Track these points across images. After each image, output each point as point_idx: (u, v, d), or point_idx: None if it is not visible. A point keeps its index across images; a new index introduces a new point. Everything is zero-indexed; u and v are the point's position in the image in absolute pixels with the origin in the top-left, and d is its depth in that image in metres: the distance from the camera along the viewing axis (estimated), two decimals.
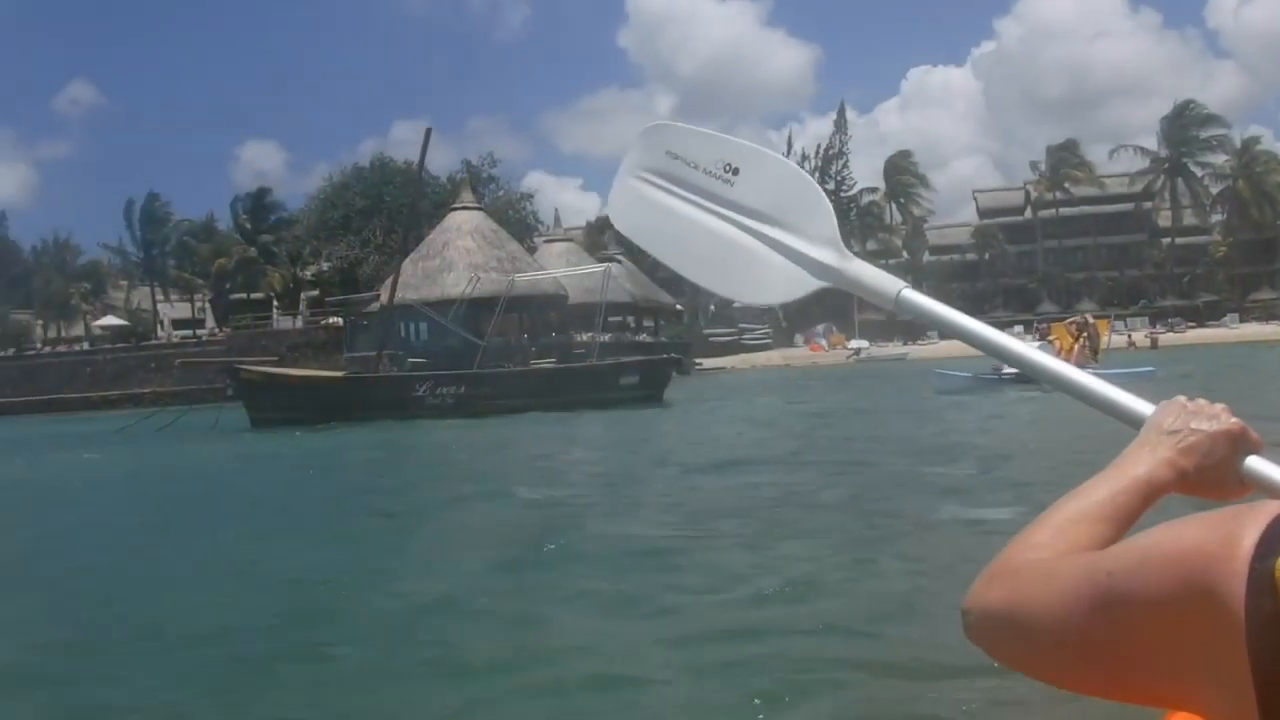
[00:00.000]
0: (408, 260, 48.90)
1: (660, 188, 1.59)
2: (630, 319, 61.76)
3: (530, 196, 73.77)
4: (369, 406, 23.22)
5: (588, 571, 6.13)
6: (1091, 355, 19.93)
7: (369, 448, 17.88)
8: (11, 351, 67.73)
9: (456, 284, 41.20)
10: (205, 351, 54.31)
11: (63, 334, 72.06)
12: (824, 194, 1.50)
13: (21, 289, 79.73)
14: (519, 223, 67.69)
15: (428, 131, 26.41)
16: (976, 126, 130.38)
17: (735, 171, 1.52)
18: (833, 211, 1.48)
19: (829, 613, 4.78)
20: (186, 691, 4.37)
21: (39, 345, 69.63)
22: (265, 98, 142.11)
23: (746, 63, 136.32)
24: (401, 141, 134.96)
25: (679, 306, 71.19)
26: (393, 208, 62.19)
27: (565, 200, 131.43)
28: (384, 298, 47.41)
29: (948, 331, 1.34)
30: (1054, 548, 0.87)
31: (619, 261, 63.28)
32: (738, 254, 1.51)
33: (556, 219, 69.00)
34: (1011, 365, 1.31)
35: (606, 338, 52.75)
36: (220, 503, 11.42)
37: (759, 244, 1.49)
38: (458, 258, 45.49)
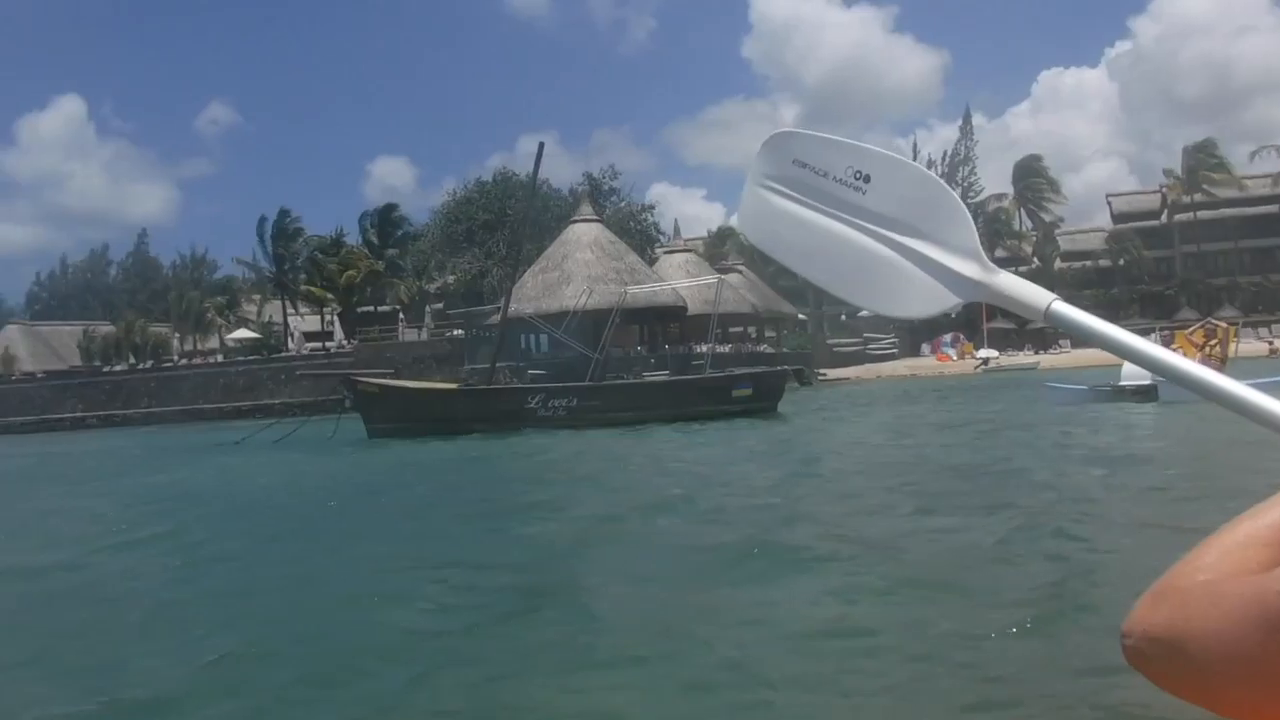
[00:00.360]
0: (529, 273, 49.44)
1: (789, 197, 1.53)
2: (751, 329, 61.21)
3: (651, 208, 73.76)
4: (482, 418, 23.25)
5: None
6: (1219, 364, 18.81)
7: (482, 459, 17.82)
8: (150, 364, 70.35)
9: (575, 296, 41.32)
10: (333, 364, 55.34)
11: (198, 346, 74.46)
12: (961, 203, 1.38)
13: (161, 303, 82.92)
14: (640, 234, 67.81)
15: (540, 146, 26.51)
16: (1112, 129, 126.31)
17: (866, 179, 1.45)
18: (972, 221, 1.39)
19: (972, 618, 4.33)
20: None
21: (175, 357, 72.04)
22: (395, 115, 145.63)
23: (873, 70, 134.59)
24: (527, 155, 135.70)
25: (801, 316, 70.41)
26: (515, 221, 62.68)
27: (689, 211, 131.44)
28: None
29: (1103, 346, 1.22)
30: (1221, 570, 0.83)
31: (739, 272, 62.92)
32: (875, 265, 1.44)
33: (676, 230, 68.93)
34: (1170, 379, 1.14)
35: (727, 348, 52.49)
36: (353, 511, 11.36)
37: (897, 255, 1.42)
38: (577, 270, 45.70)
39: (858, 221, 1.45)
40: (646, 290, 41.09)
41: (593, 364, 26.53)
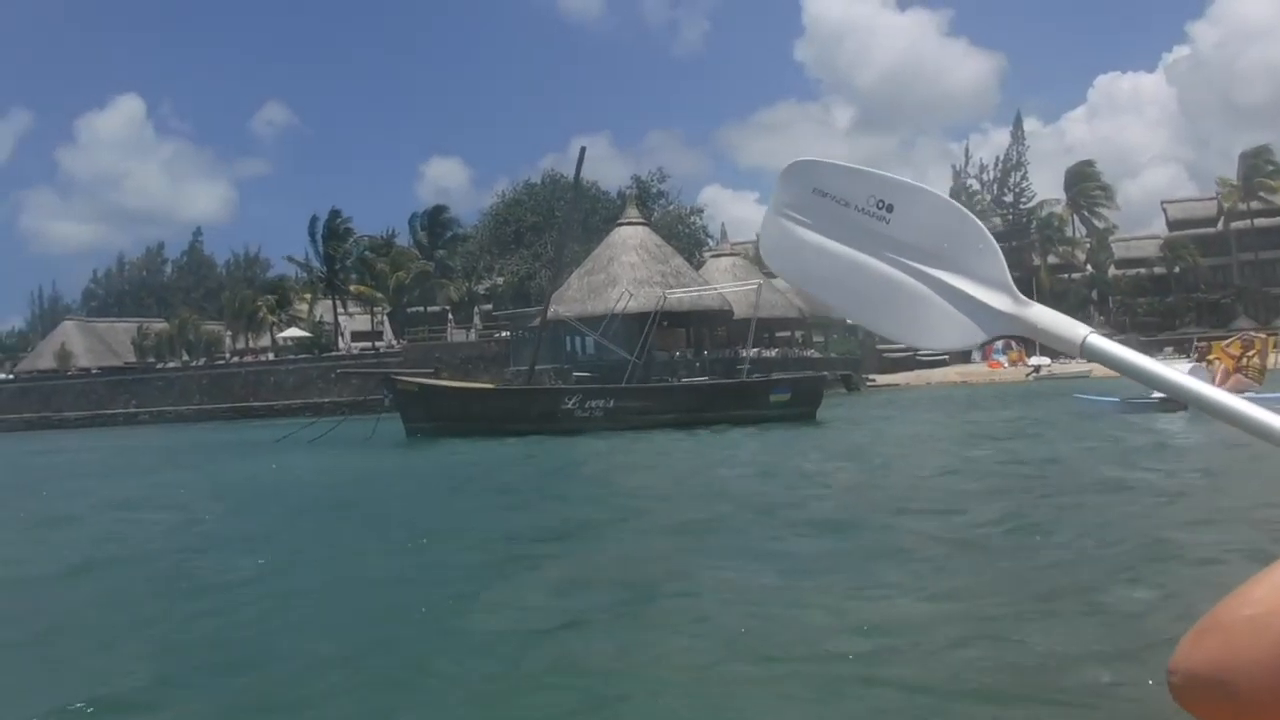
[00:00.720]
0: (574, 275, 49.64)
1: (810, 227, 1.53)
2: (799, 334, 60.94)
3: (700, 211, 73.82)
4: (519, 418, 23.29)
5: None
6: (1257, 376, 18.21)
7: (517, 459, 17.82)
8: (203, 360, 71.37)
9: (620, 298, 41.42)
10: (381, 363, 55.80)
11: (250, 344, 75.38)
12: (988, 233, 1.39)
13: (215, 301, 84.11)
14: (689, 237, 67.88)
15: (582, 150, 26.59)
16: (1170, 134, 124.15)
17: (889, 208, 1.45)
18: (1000, 252, 1.37)
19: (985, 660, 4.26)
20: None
21: (227, 355, 72.98)
22: (449, 116, 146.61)
23: (927, 73, 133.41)
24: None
25: (850, 321, 70.05)
26: (563, 223, 62.88)
27: (740, 214, 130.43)
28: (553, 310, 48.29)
29: (1140, 379, 1.25)
30: (1269, 604, 0.79)
31: None
32: (900, 296, 1.44)
33: (724, 233, 68.88)
34: (1208, 411, 1.18)
35: (773, 353, 52.33)
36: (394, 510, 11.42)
37: (922, 286, 1.42)
38: (622, 272, 45.81)
39: (882, 252, 1.44)
40: (689, 294, 41.03)
41: (630, 366, 26.53)
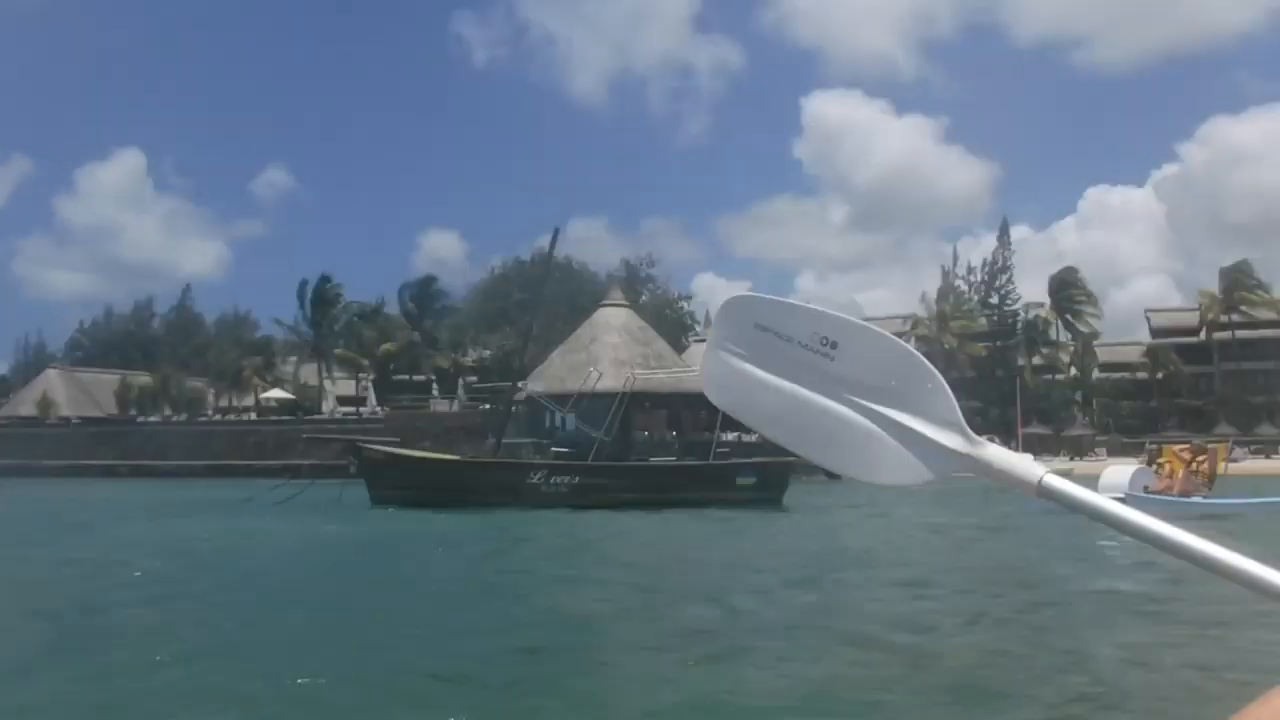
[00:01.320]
0: (556, 352, 49.95)
1: (752, 361, 1.46)
2: None
3: (689, 297, 74.58)
4: (484, 490, 23.29)
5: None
6: (1206, 482, 18.36)
7: (475, 533, 17.85)
8: (185, 417, 71.22)
9: (589, 376, 41.65)
10: (365, 429, 55.87)
11: (232, 403, 75.29)
12: (937, 373, 1.36)
13: (200, 358, 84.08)
14: (675, 321, 68.41)
15: (555, 231, 26.85)
16: (1158, 247, 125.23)
17: (833, 345, 1.41)
18: (950, 392, 1.34)
19: None
20: None
21: (209, 412, 72.86)
22: (450, 189, 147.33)
23: (923, 177, 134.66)
24: (577, 239, 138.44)
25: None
26: (550, 302, 63.67)
27: None
28: (531, 387, 48.43)
29: (1100, 519, 1.20)
30: None
31: None
32: (846, 433, 1.39)
33: (709, 318, 69.15)
34: (1184, 559, 1.14)
35: (755, 437, 52.35)
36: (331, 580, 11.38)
37: (869, 423, 1.37)
38: (603, 352, 46.07)
39: (827, 388, 1.41)
40: (657, 376, 41.31)
41: (596, 444, 26.62)
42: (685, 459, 37.52)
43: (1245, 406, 75.46)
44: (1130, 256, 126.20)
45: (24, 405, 77.32)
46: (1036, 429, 74.66)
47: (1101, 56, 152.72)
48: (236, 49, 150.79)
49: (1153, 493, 17.50)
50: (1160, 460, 19.04)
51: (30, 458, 64.07)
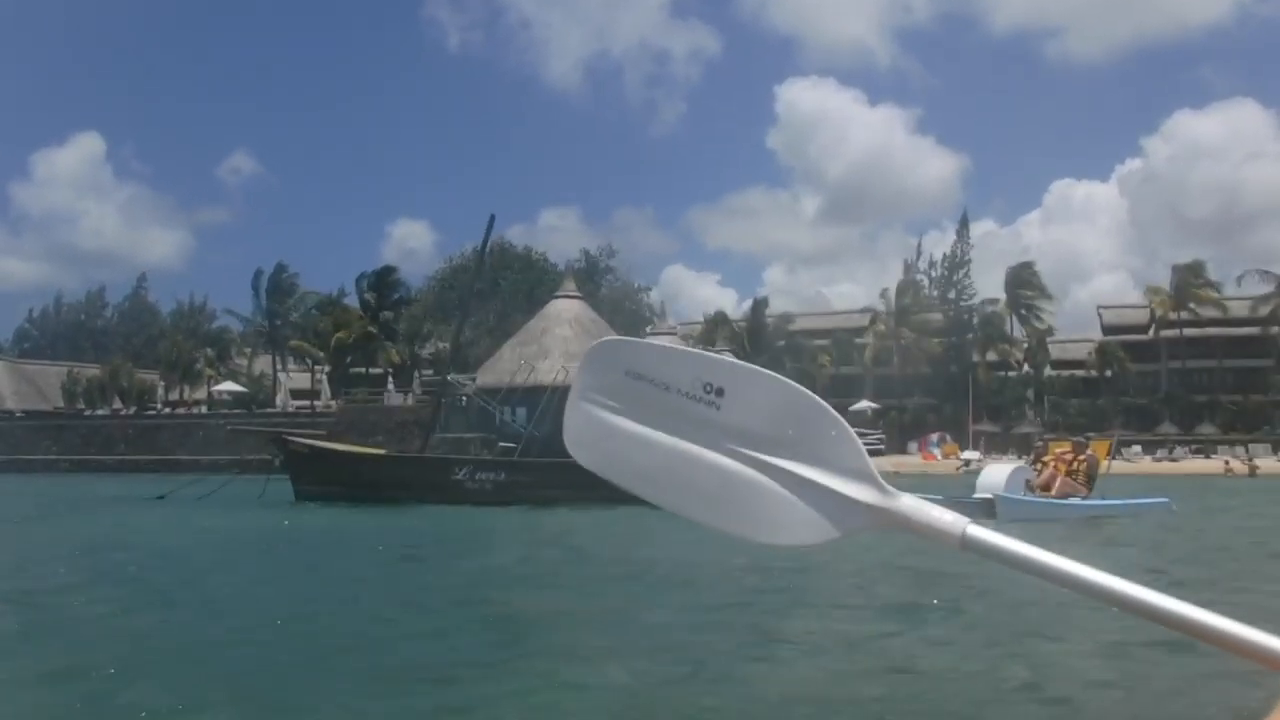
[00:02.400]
0: (506, 345, 49.75)
1: (623, 413, 1.39)
2: None
3: (648, 289, 74.55)
4: (409, 486, 23.02)
5: None
6: (1085, 483, 17.31)
7: (371, 531, 17.51)
8: (133, 410, 70.19)
9: (550, 370, 41.42)
10: (314, 422, 55.30)
11: (183, 396, 74.36)
12: (840, 418, 1.29)
13: (155, 349, 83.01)
14: (634, 313, 68.38)
15: (491, 219, 26.26)
16: (1120, 243, 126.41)
17: (719, 392, 1.33)
18: (857, 438, 1.28)
19: None
20: None
21: (159, 406, 71.86)
22: (419, 179, 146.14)
23: (894, 168, 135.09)
24: (549, 228, 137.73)
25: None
26: (507, 292, 63.64)
27: (703, 294, 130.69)
28: (481, 380, 48.19)
29: (1026, 570, 1.15)
30: None
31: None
32: (736, 488, 1.30)
33: (663, 312, 69.45)
34: (1116, 606, 1.09)
35: None
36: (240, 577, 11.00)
37: (763, 477, 1.28)
38: (554, 345, 45.92)
39: (712, 440, 1.32)
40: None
41: (525, 438, 26.34)
42: None
43: (1190, 405, 76.45)
44: (1092, 252, 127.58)
45: None
46: (986, 426, 75.33)
47: (1074, 48, 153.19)
48: (201, 31, 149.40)
49: (1032, 492, 16.85)
50: (1046, 459, 18.03)
51: None
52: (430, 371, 70.94)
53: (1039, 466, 17.64)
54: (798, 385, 1.32)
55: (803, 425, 1.28)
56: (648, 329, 65.09)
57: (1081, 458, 17.50)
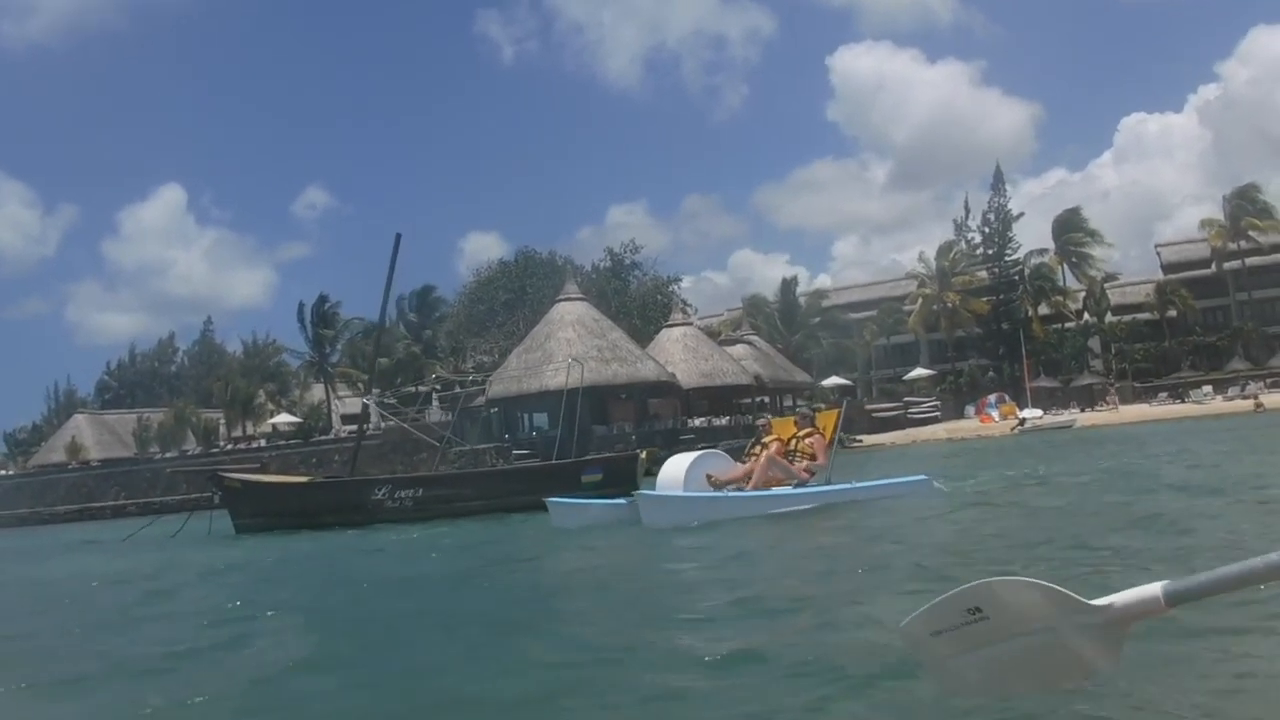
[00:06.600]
0: (514, 352, 50.08)
1: (946, 656, 1.89)
2: (764, 399, 60.54)
3: (678, 280, 74.18)
4: (334, 510, 23.22)
5: None
6: (810, 459, 13.64)
7: (310, 555, 17.63)
8: (199, 449, 72.24)
9: (556, 375, 41.50)
10: (362, 446, 56.08)
11: (245, 432, 76.30)
12: (1046, 585, 1.76)
13: (223, 389, 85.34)
14: (664, 306, 68.05)
15: (397, 238, 26.20)
16: (1204, 175, 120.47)
17: (978, 610, 1.83)
18: (1060, 589, 1.74)
19: None
20: None
21: (223, 443, 73.89)
22: (488, 191, 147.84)
23: (963, 125, 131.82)
24: (617, 225, 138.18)
25: (841, 382, 69.51)
26: (535, 299, 63.86)
27: (773, 275, 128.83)
28: (493, 389, 48.56)
29: (1237, 587, 1.56)
30: None
31: (749, 343, 62.43)
32: (1035, 657, 1.79)
33: (680, 305, 68.64)
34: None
35: (725, 420, 52.03)
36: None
37: (1038, 641, 1.77)
38: (558, 349, 46.05)
39: (1003, 639, 1.80)
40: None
41: (544, 442, 26.68)
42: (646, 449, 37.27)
43: (1262, 338, 73.16)
44: (1173, 188, 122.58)
45: (55, 452, 79.02)
46: (1044, 382, 73.18)
47: None
48: (258, 76, 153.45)
49: (721, 486, 13.27)
50: (766, 439, 14.00)
51: (44, 504, 65.65)
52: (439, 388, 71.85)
53: (752, 453, 13.93)
54: (1012, 579, 1.82)
55: (1033, 606, 1.74)
56: (665, 323, 64.76)
57: (803, 434, 13.98)
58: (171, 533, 24.12)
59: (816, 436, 13.92)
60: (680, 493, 13.02)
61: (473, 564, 12.30)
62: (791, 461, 13.64)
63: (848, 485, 13.94)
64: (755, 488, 13.05)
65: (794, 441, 13.89)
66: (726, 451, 15.64)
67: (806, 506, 12.78)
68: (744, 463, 13.82)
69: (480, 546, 14.96)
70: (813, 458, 13.63)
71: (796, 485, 13.27)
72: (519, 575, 10.96)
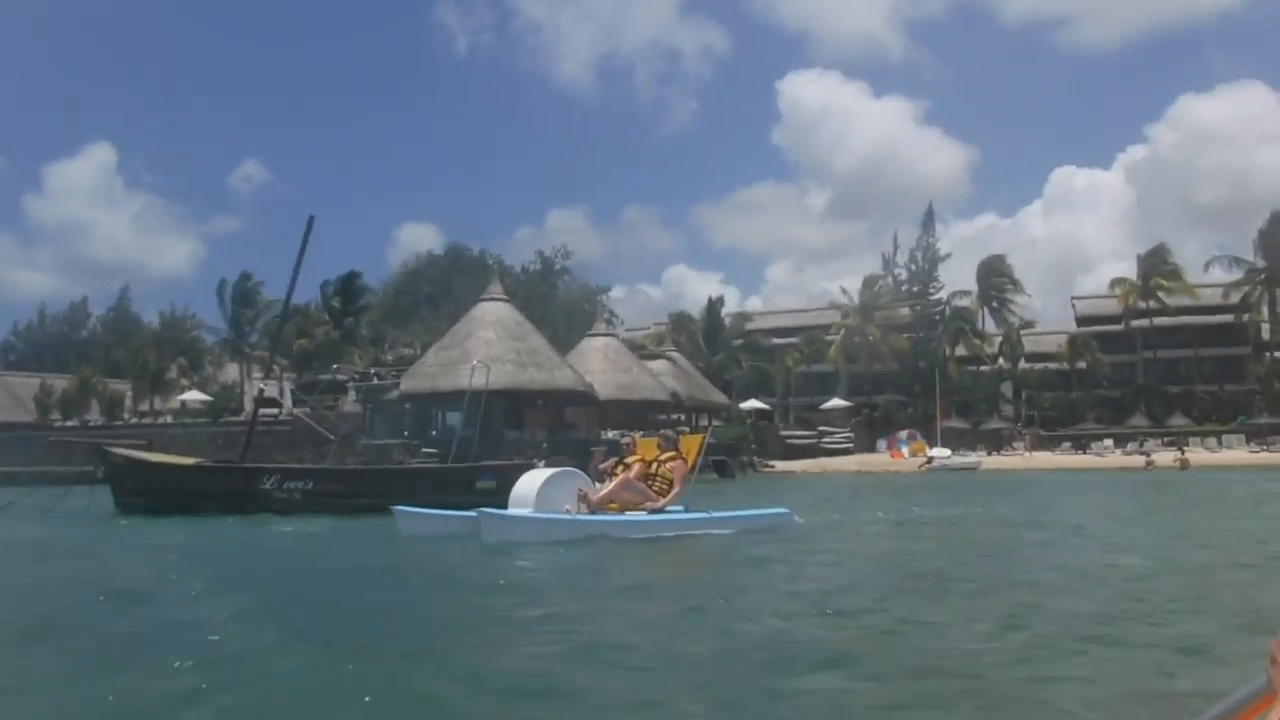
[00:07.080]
0: (431, 350, 49.76)
1: None
2: (680, 416, 60.78)
3: (606, 290, 74.37)
4: (220, 497, 22.92)
5: None
6: (664, 489, 13.49)
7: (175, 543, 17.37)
8: (102, 420, 70.66)
9: (468, 375, 41.26)
10: (271, 432, 55.44)
11: (153, 407, 74.84)
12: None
13: (133, 361, 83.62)
14: (591, 315, 68.17)
15: (310, 219, 25.64)
16: (1126, 231, 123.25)
17: None
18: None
19: None
20: None
21: (127, 416, 72.37)
22: (428, 182, 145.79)
23: (902, 160, 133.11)
24: (557, 229, 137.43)
25: (760, 405, 70.09)
26: (460, 296, 63.60)
27: (705, 294, 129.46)
28: (405, 384, 48.20)
29: None
30: None
31: (670, 359, 62.71)
32: None
33: (605, 315, 68.86)
34: None
35: (639, 435, 52.04)
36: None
37: None
38: (476, 349, 45.73)
39: None
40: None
41: (457, 442, 26.73)
42: (554, 457, 37.16)
43: (1163, 396, 75.29)
44: (1096, 241, 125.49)
45: None
46: (955, 423, 74.51)
47: (1086, 36, 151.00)
48: (208, 41, 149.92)
49: (595, 507, 13.17)
50: (629, 460, 13.98)
51: None
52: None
53: (614, 471, 13.87)
54: None
55: None
56: (588, 334, 64.92)
57: (666, 457, 13.67)
58: (47, 507, 23.43)
59: (679, 461, 13.65)
60: (524, 512, 12.90)
61: (305, 566, 12.37)
62: (652, 485, 13.47)
63: (705, 514, 13.72)
64: (605, 508, 13.07)
65: (655, 465, 13.66)
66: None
67: (653, 536, 12.70)
68: (606, 482, 13.74)
69: (335, 547, 15.03)
70: (669, 481, 13.44)
71: (651, 511, 13.14)
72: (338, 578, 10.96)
